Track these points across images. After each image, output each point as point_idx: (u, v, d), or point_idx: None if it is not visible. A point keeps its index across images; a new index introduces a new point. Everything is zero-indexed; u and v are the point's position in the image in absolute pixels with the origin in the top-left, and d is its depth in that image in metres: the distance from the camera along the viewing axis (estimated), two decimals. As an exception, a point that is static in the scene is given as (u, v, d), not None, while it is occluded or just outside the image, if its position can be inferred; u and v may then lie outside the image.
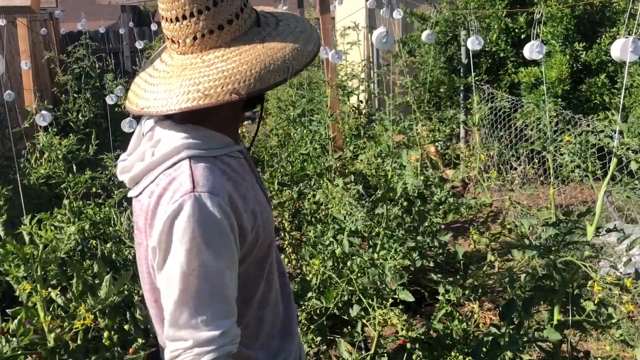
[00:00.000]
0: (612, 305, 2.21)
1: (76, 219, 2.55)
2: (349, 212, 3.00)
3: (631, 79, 4.96)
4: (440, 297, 2.63)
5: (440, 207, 3.67)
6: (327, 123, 4.57)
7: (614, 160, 2.16)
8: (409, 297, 2.57)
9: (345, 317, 2.76)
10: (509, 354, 2.21)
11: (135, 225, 1.25)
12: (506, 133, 5.12)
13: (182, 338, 1.10)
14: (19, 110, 5.75)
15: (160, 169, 1.15)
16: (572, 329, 2.33)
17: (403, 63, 5.18)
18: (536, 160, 4.74)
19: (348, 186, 3.22)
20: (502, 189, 4.51)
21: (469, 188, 5.24)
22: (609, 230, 2.19)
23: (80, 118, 7.57)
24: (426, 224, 3.15)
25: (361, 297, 2.60)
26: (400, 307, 2.49)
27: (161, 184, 1.13)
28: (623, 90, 2.79)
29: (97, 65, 8.39)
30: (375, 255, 2.72)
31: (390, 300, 2.55)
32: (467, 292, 2.74)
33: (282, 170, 4.48)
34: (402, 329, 2.39)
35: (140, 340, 1.93)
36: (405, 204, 2.97)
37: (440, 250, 3.34)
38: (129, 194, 1.22)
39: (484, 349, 2.16)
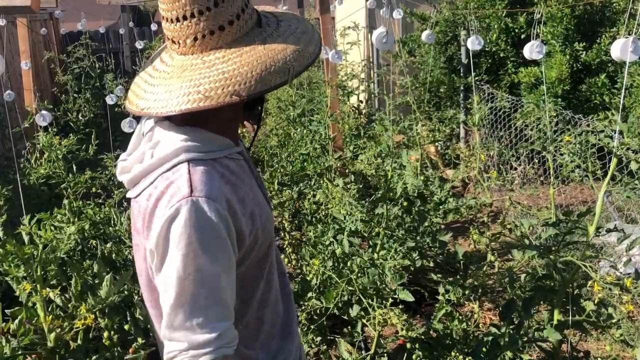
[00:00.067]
0: (612, 305, 2.21)
1: (76, 219, 2.55)
2: (349, 212, 3.00)
3: (631, 79, 4.96)
4: (440, 297, 2.63)
5: (440, 207, 3.67)
6: (327, 123, 4.57)
7: (614, 160, 2.16)
8: (408, 297, 2.57)
9: (345, 317, 2.76)
10: (509, 354, 2.21)
11: (133, 226, 1.25)
12: (506, 133, 5.12)
13: (178, 339, 1.10)
14: (19, 110, 5.75)
15: (159, 171, 1.15)
16: (572, 329, 2.33)
17: (403, 63, 5.18)
18: (536, 160, 4.74)
19: (348, 186, 3.22)
20: (502, 189, 4.50)
21: (469, 188, 5.24)
22: (609, 230, 2.19)
23: (80, 118, 7.57)
24: (426, 224, 3.15)
25: (361, 297, 2.60)
26: (400, 307, 2.49)
27: (159, 187, 1.13)
28: (623, 90, 2.79)
29: (97, 65, 8.39)
30: (375, 255, 2.72)
31: (390, 300, 2.56)
32: (467, 292, 2.74)
33: (282, 170, 4.48)
34: (402, 329, 2.39)
35: (140, 340, 1.93)
36: (405, 204, 2.97)
37: (440, 250, 3.34)
38: (128, 195, 1.22)
39: (484, 349, 2.17)
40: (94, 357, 1.84)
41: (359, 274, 2.66)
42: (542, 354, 2.48)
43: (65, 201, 2.67)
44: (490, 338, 2.20)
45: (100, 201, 3.33)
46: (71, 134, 4.50)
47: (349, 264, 2.74)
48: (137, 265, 1.28)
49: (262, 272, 1.29)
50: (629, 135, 2.10)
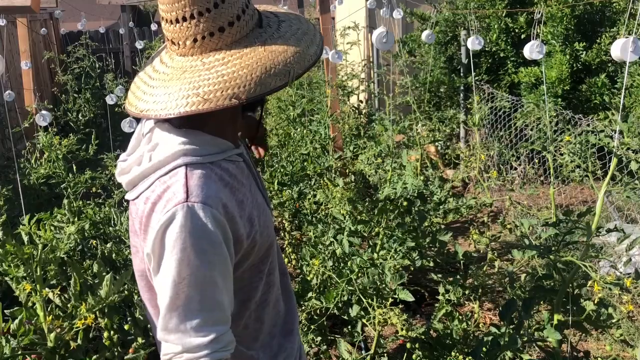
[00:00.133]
0: (612, 305, 2.21)
1: (76, 219, 2.55)
2: (349, 212, 2.99)
3: (631, 79, 4.96)
4: (440, 297, 2.63)
5: (440, 207, 3.67)
6: (327, 123, 4.58)
7: (614, 160, 2.16)
8: (408, 296, 2.57)
9: (345, 317, 2.76)
10: (509, 354, 2.21)
11: (131, 227, 1.25)
12: (506, 133, 5.12)
13: (173, 342, 1.11)
14: (19, 110, 5.76)
15: (156, 175, 1.14)
16: (572, 329, 2.33)
17: (403, 63, 5.18)
18: (536, 160, 4.74)
19: (348, 186, 3.21)
20: (502, 189, 4.51)
21: (469, 188, 5.24)
22: (609, 230, 2.19)
23: (80, 118, 7.57)
24: (426, 224, 3.15)
25: (361, 297, 2.60)
26: (400, 307, 2.49)
27: (156, 191, 1.13)
28: (623, 90, 2.79)
29: (97, 65, 8.40)
30: (375, 255, 2.72)
31: (390, 300, 2.56)
32: (467, 292, 2.74)
33: (282, 170, 4.48)
34: (402, 329, 2.39)
35: (140, 340, 1.93)
36: (405, 204, 2.97)
37: (440, 250, 3.34)
38: (126, 197, 1.22)
39: (484, 349, 2.16)
40: (94, 357, 1.84)
41: (359, 274, 2.66)
42: (542, 354, 2.48)
43: (65, 201, 2.67)
44: (490, 338, 2.20)
45: (100, 201, 3.33)
46: (71, 134, 4.50)
47: (349, 263, 2.74)
48: (136, 266, 1.28)
49: (262, 273, 1.29)
50: (629, 135, 2.10)
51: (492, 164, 5.09)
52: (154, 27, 8.95)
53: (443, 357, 2.44)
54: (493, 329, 2.29)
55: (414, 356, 2.45)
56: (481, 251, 3.09)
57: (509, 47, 5.65)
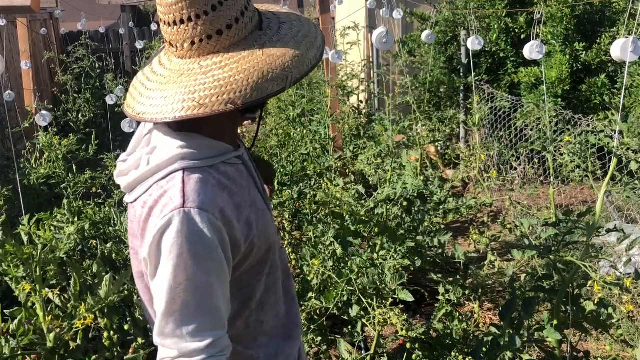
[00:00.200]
0: (612, 306, 2.21)
1: (76, 219, 2.55)
2: (349, 212, 2.99)
3: (631, 79, 4.96)
4: (440, 297, 2.63)
5: (440, 207, 3.67)
6: (327, 123, 4.58)
7: (614, 160, 2.16)
8: (408, 297, 2.57)
9: (345, 317, 2.76)
10: (509, 354, 2.21)
11: (130, 229, 1.25)
12: (506, 133, 5.12)
13: (169, 347, 1.11)
14: (19, 110, 5.76)
15: (154, 179, 1.14)
16: (572, 329, 2.33)
17: (403, 63, 5.18)
18: (536, 160, 4.74)
19: (348, 186, 3.22)
20: (502, 189, 4.51)
21: (469, 188, 5.24)
22: (609, 230, 2.19)
23: (80, 118, 7.57)
24: (426, 224, 3.15)
25: (361, 297, 2.60)
26: (400, 307, 2.49)
27: (154, 196, 1.13)
28: (623, 90, 2.79)
29: (97, 65, 8.40)
30: (375, 255, 2.72)
31: (390, 300, 2.56)
32: (467, 292, 2.74)
33: (282, 170, 4.48)
34: (402, 329, 2.39)
35: (140, 340, 1.93)
36: (405, 204, 2.97)
37: (440, 250, 3.34)
38: (125, 199, 1.22)
39: (484, 349, 2.16)
40: (94, 357, 1.84)
41: (359, 274, 2.66)
42: (542, 354, 2.48)
43: (65, 201, 2.67)
44: (490, 338, 2.19)
45: (100, 201, 3.33)
46: (71, 134, 4.50)
47: (349, 264, 2.74)
48: (135, 267, 1.28)
49: (261, 275, 1.28)
50: (629, 135, 2.10)
51: (492, 164, 5.09)
52: (154, 27, 8.95)
53: (443, 357, 2.44)
54: (493, 329, 2.29)
55: (414, 356, 2.45)
56: (481, 251, 3.08)
57: (509, 47, 5.65)
